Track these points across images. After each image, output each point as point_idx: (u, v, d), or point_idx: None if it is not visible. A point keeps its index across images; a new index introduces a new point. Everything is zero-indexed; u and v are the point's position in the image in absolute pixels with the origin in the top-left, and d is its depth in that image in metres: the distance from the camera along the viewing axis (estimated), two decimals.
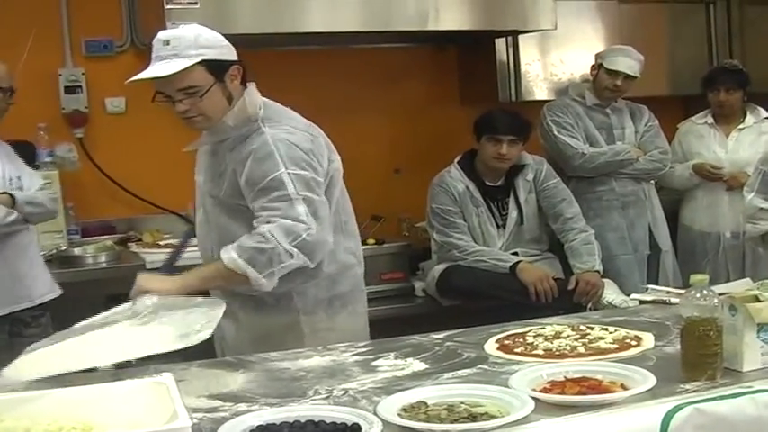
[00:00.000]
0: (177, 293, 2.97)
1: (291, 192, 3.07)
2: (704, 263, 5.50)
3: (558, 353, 2.76)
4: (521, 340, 2.92)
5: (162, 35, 3.14)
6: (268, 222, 3.04)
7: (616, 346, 2.79)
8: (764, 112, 5.65)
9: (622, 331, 2.93)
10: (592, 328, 2.99)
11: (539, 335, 2.96)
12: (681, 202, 5.74)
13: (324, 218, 3.14)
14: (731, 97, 5.55)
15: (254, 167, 3.11)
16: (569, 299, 4.71)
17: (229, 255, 3.01)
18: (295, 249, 3.03)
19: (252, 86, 3.27)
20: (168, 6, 4.68)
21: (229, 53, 3.20)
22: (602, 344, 2.82)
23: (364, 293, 3.54)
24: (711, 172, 5.49)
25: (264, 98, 3.31)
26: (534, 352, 2.79)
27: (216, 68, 3.14)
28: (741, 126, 5.61)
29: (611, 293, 4.73)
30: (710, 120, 5.63)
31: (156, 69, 3.10)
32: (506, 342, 2.92)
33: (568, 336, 2.92)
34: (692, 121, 5.71)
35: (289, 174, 3.09)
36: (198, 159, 3.43)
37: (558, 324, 3.10)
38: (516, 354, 2.79)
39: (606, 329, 2.97)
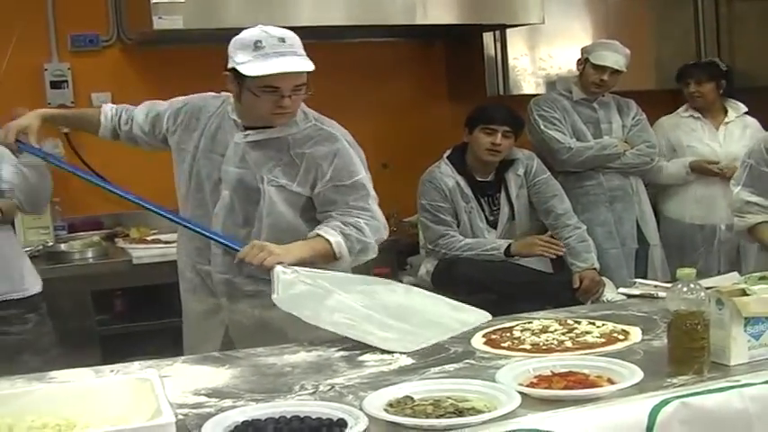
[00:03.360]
0: (293, 263, 3.20)
1: (372, 194, 3.45)
2: (696, 255, 5.50)
3: (545, 347, 2.75)
4: (508, 335, 2.91)
5: (273, 32, 3.25)
6: (358, 218, 3.37)
7: (603, 340, 2.78)
8: (744, 107, 5.69)
9: (610, 325, 2.93)
10: (579, 323, 2.98)
11: (526, 329, 2.95)
12: (660, 195, 5.72)
13: None
14: (701, 88, 5.59)
15: (340, 167, 3.39)
16: (571, 296, 4.72)
17: (336, 239, 3.29)
18: (377, 246, 3.43)
19: None
20: (154, 1, 4.67)
21: None
22: (589, 338, 2.81)
23: None
24: (710, 169, 5.50)
25: None
26: (521, 346, 2.78)
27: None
28: (727, 120, 5.64)
29: (609, 292, 4.75)
30: (695, 113, 5.66)
31: (293, 63, 3.24)
32: (493, 336, 2.91)
33: (555, 330, 2.91)
34: (678, 115, 5.71)
35: (366, 177, 3.45)
36: (220, 151, 3.46)
37: (546, 318, 3.09)
38: (503, 348, 2.78)
39: (593, 324, 2.95)
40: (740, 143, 5.49)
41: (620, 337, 2.81)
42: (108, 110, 3.71)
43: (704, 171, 5.52)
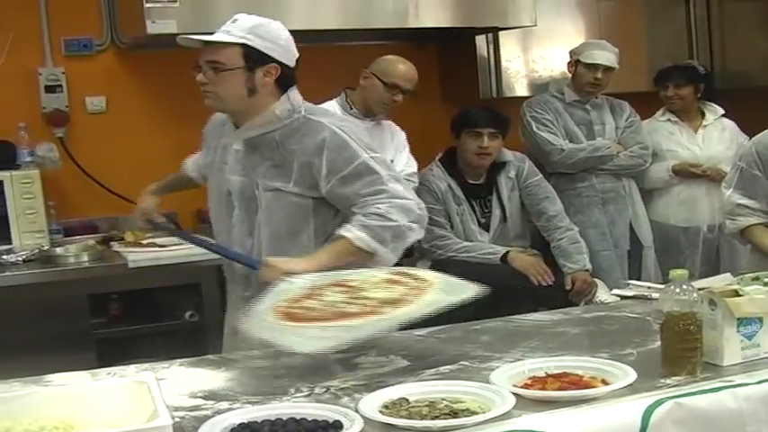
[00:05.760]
0: (316, 271, 2.97)
1: (384, 174, 3.16)
2: (682, 258, 5.52)
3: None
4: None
5: (237, 15, 3.23)
6: (377, 204, 3.11)
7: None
8: (720, 110, 5.74)
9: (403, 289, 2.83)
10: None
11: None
12: (644, 198, 5.69)
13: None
14: (679, 92, 5.62)
15: (333, 157, 3.16)
16: (563, 297, 4.73)
17: (355, 234, 3.06)
18: (414, 224, 3.15)
19: (295, 89, 3.32)
20: (148, 5, 4.68)
21: (281, 53, 3.24)
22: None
23: None
24: (694, 172, 5.52)
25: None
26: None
27: (252, 57, 3.17)
28: (705, 123, 5.68)
29: (602, 293, 4.76)
30: (673, 117, 5.68)
31: (203, 36, 3.18)
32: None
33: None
34: (655, 119, 5.74)
35: (371, 158, 3.17)
36: (226, 160, 3.37)
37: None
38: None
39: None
40: (719, 146, 5.58)
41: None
42: (190, 163, 3.77)
43: (688, 174, 5.55)
